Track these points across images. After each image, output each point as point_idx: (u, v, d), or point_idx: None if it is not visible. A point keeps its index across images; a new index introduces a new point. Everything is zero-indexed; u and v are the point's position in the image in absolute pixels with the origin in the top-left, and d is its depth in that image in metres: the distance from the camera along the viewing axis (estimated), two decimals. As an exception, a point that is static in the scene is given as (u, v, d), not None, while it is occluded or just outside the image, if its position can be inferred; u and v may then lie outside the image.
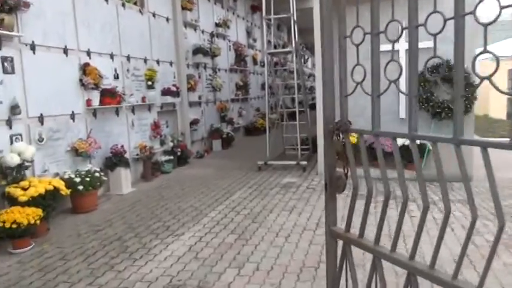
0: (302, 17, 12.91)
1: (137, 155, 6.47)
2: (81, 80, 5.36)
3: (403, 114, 7.01)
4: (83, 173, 4.92)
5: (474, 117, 6.69)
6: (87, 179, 4.85)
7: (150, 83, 6.93)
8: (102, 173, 5.17)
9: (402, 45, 6.90)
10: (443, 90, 6.74)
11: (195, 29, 9.04)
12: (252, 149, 9.64)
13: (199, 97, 9.00)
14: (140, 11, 6.97)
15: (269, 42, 8.52)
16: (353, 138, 7.15)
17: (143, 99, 6.85)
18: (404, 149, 6.91)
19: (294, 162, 6.96)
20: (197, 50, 8.84)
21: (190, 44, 8.81)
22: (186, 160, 7.85)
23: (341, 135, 1.97)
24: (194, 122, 8.67)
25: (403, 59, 6.90)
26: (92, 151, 5.22)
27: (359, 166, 1.98)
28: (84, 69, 5.40)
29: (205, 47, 9.11)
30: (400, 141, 7.01)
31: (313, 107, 17.99)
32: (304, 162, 6.91)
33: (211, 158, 8.77)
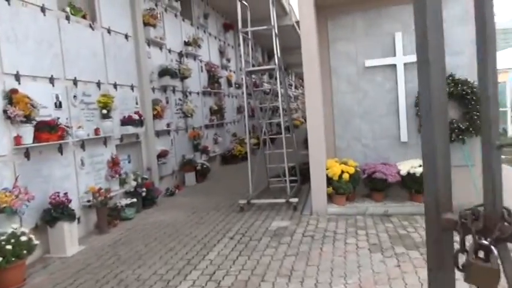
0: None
1: (89, 201, 5.18)
2: (5, 112, 4.11)
3: (404, 137, 6.06)
4: (3, 238, 3.62)
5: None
6: (9, 246, 3.55)
7: (105, 111, 5.71)
8: (32, 236, 3.86)
9: (400, 59, 6.02)
10: (451, 108, 5.93)
11: (160, 48, 7.95)
12: (231, 181, 8.48)
13: (168, 125, 7.83)
14: (91, 26, 5.82)
15: (247, 61, 7.54)
16: (336, 168, 6.13)
17: (96, 131, 5.61)
18: (409, 177, 5.94)
19: (283, 200, 5.83)
20: (164, 72, 7.72)
21: (156, 65, 7.69)
22: (153, 201, 6.60)
23: (494, 249, 0.82)
24: (162, 154, 7.46)
25: (401, 74, 6.01)
26: (19, 206, 3.92)
27: None
28: (11, 97, 4.16)
29: (173, 68, 8.01)
30: (405, 169, 6.03)
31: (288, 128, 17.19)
32: (295, 200, 5.78)
33: (184, 195, 7.53)
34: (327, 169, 5.79)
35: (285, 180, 6.31)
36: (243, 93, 12.67)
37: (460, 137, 5.52)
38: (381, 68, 6.07)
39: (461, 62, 5.76)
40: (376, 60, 6.07)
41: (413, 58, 5.91)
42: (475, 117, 5.48)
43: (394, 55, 5.97)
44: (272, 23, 5.94)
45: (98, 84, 5.84)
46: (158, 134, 7.53)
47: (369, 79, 6.13)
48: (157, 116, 7.34)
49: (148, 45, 7.44)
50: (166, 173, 7.72)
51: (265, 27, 5.98)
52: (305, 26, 5.53)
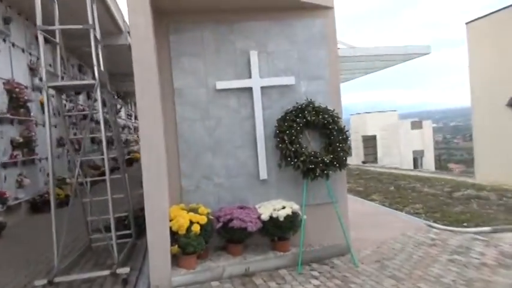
0: (111, 58, 10.20)
1: None
2: None
3: (263, 173, 5.08)
4: None
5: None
6: None
7: None
8: None
9: (256, 82, 5.09)
10: (309, 140, 5.18)
11: None
12: (39, 238, 6.08)
13: None
14: None
15: (51, 72, 5.48)
16: (184, 218, 4.35)
17: None
18: (272, 222, 4.90)
19: (107, 272, 4.01)
20: None
21: None
22: None
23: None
24: None
25: (258, 99, 5.08)
26: None
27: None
28: None
29: None
30: (267, 213, 5.00)
31: (128, 162, 14.83)
32: (125, 270, 4.02)
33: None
34: (170, 220, 4.32)
35: (114, 238, 4.51)
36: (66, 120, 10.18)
37: (325, 172, 4.81)
38: (235, 92, 5.03)
39: (320, 87, 5.17)
40: (229, 82, 5.01)
41: (271, 81, 5.07)
42: (338, 149, 4.87)
43: (250, 77, 5.03)
44: (90, 21, 4.26)
45: None
46: None
47: (221, 104, 5.00)
48: None
49: None
50: None
51: (80, 26, 4.25)
52: (138, 28, 4.08)
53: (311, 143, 5.02)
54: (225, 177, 5.02)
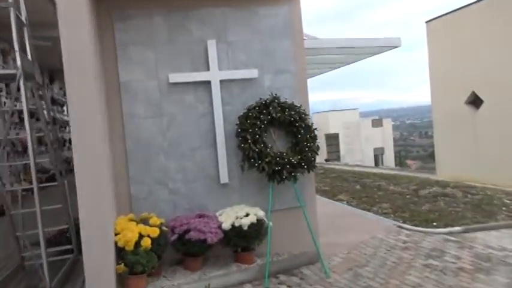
0: (57, 51, 9.28)
1: None
2: None
3: (224, 177, 4.55)
4: None
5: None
6: None
7: None
8: None
9: (214, 75, 4.55)
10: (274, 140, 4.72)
11: None
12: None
13: None
14: None
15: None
16: (132, 231, 3.75)
17: None
18: (234, 231, 4.38)
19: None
20: None
21: None
22: None
23: None
24: None
25: (217, 94, 4.55)
26: None
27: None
28: None
29: None
30: (229, 222, 4.48)
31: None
32: (59, 298, 3.38)
33: None
34: (116, 234, 3.71)
35: (45, 257, 3.82)
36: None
37: (292, 174, 4.35)
38: (191, 85, 4.47)
39: (286, 81, 4.70)
40: (184, 75, 4.45)
41: (231, 74, 4.55)
42: (306, 148, 4.43)
43: (208, 69, 4.48)
44: (11, -2, 3.55)
45: None
46: None
47: (175, 99, 4.43)
48: None
49: None
50: None
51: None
52: (69, 9, 3.41)
53: (276, 142, 4.55)
54: (181, 182, 4.46)
